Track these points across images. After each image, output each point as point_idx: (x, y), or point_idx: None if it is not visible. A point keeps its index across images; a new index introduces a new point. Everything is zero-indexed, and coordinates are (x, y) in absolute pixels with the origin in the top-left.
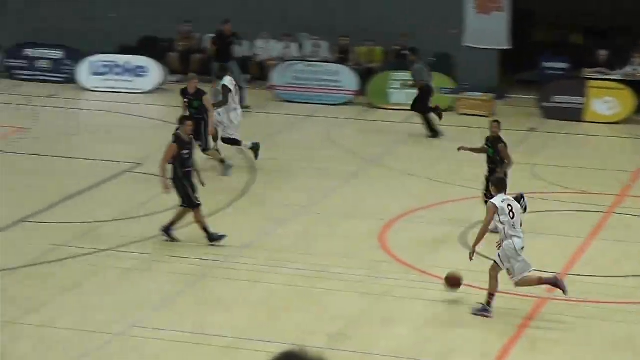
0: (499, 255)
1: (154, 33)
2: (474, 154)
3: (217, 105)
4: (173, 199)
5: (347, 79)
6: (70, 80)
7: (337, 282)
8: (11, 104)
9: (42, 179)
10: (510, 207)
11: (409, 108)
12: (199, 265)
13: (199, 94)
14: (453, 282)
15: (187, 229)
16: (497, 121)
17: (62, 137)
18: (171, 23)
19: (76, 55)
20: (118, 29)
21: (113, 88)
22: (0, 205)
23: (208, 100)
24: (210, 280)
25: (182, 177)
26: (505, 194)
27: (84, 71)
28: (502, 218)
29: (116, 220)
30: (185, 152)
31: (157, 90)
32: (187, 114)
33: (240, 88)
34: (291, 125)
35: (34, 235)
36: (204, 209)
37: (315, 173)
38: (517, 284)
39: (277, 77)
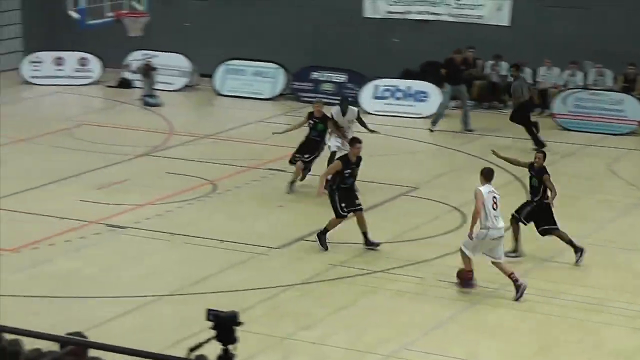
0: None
1: (437, 58)
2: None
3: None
4: (449, 222)
5: (632, 108)
6: (353, 103)
7: (613, 315)
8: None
9: (320, 200)
10: (494, 200)
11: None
12: (472, 292)
13: (324, 118)
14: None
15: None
16: (542, 152)
17: None
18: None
19: (359, 78)
20: (402, 54)
21: (394, 112)
22: (281, 224)
23: (332, 123)
24: (482, 307)
25: (335, 190)
26: (490, 184)
27: (366, 94)
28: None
29: (390, 242)
30: (348, 171)
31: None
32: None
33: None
34: (571, 154)
35: (310, 253)
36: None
37: (594, 203)
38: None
39: (558, 105)
